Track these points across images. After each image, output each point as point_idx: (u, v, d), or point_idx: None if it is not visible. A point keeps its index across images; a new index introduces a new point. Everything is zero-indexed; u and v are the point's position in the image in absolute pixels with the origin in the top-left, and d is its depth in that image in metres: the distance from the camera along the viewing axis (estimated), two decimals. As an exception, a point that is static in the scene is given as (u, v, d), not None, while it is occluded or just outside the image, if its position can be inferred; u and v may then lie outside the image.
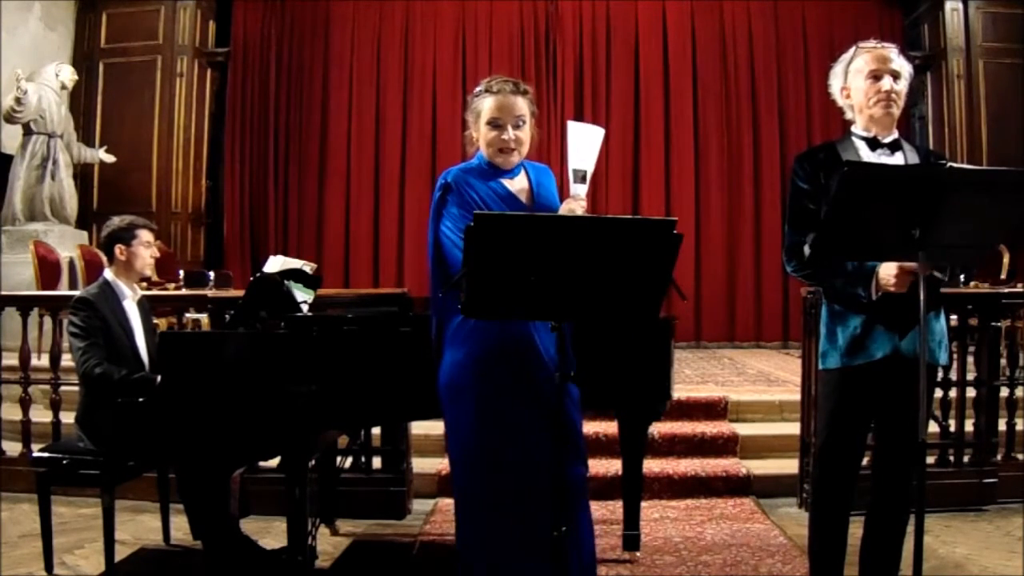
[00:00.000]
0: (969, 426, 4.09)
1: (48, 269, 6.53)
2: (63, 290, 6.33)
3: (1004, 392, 4.16)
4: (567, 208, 2.36)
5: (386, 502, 3.95)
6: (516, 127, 2.38)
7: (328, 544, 3.54)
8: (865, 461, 2.55)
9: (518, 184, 2.42)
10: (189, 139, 8.38)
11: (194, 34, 8.33)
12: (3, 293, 4.76)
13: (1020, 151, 7.51)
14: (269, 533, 3.56)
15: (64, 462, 3.15)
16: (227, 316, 3.92)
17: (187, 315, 5.03)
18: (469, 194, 2.34)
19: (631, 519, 3.35)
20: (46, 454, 3.21)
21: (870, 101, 2.43)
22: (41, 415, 4.29)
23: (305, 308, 3.20)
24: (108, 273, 3.38)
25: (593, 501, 2.60)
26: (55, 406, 4.07)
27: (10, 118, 6.97)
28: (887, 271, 2.27)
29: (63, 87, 7.38)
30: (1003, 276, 6.76)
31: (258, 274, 3.22)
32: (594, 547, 2.44)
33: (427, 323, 2.45)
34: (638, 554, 3.35)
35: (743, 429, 4.64)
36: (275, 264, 3.28)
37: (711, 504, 4.10)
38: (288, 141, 8.79)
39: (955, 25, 8.16)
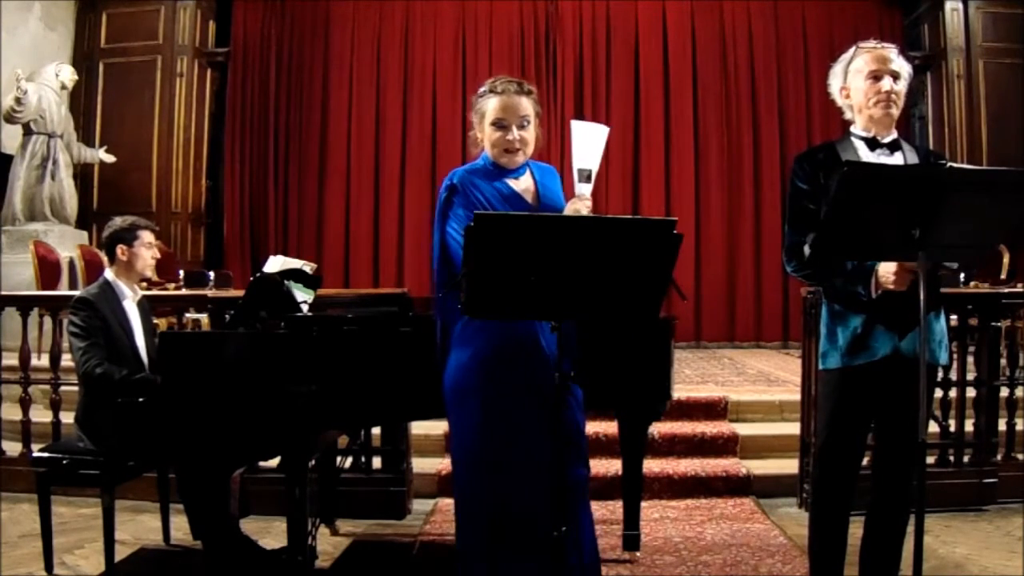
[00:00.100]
0: (969, 426, 4.09)
1: (48, 269, 6.53)
2: (63, 290, 6.33)
3: (1004, 392, 4.16)
4: (572, 208, 2.36)
5: (386, 502, 3.95)
6: (521, 127, 2.37)
7: (328, 544, 3.54)
8: (865, 461, 2.55)
9: (523, 184, 2.42)
10: (189, 139, 8.38)
11: (194, 34, 8.33)
12: (3, 293, 4.76)
13: (1020, 151, 7.51)
14: (269, 533, 3.56)
15: (64, 462, 3.15)
16: (227, 316, 3.92)
17: (187, 315, 5.03)
18: (474, 195, 2.33)
19: (631, 519, 3.35)
20: (46, 454, 3.22)
21: (870, 101, 2.43)
22: (41, 415, 4.29)
23: (305, 308, 3.20)
24: (109, 273, 3.38)
25: (593, 501, 2.60)
26: (55, 406, 4.07)
27: (10, 118, 6.97)
28: (887, 269, 2.27)
29: (63, 87, 7.38)
30: (1003, 276, 6.77)
31: (258, 274, 3.21)
32: (596, 547, 2.44)
33: (427, 323, 2.45)
34: (638, 554, 3.35)
35: (743, 429, 4.64)
36: (275, 264, 3.28)
37: (711, 504, 4.10)
38: (288, 141, 8.79)
39: (955, 25, 8.16)
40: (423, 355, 2.46)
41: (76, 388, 3.60)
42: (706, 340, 8.57)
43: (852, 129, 2.51)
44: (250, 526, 3.41)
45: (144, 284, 3.60)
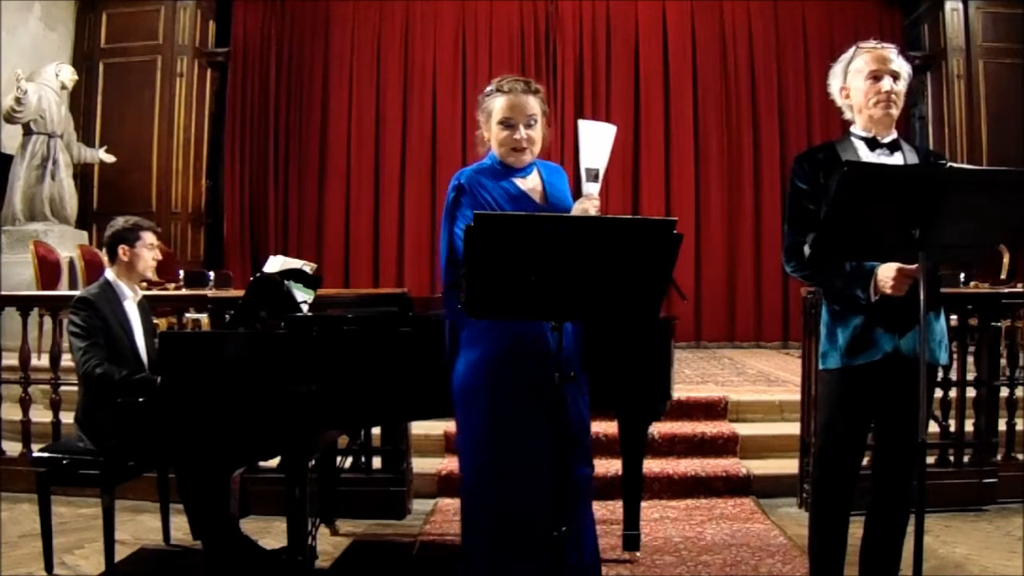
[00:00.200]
0: (969, 426, 4.09)
1: (48, 269, 6.53)
2: (63, 290, 6.33)
3: (1004, 392, 4.16)
4: (580, 208, 2.35)
5: (386, 502, 3.95)
6: (528, 126, 2.37)
7: (328, 544, 3.54)
8: (865, 461, 2.55)
9: (531, 183, 2.42)
10: (189, 139, 8.38)
11: (194, 34, 8.33)
12: (3, 293, 4.76)
13: (1020, 151, 7.51)
14: (269, 533, 3.56)
15: (64, 462, 3.15)
16: (227, 316, 3.92)
17: (187, 315, 5.03)
18: (482, 195, 2.33)
19: (631, 519, 3.35)
20: (46, 454, 3.22)
21: (870, 101, 2.43)
22: (41, 415, 4.29)
23: (305, 308, 3.20)
24: (109, 273, 3.38)
25: (593, 501, 2.60)
26: (55, 406, 4.07)
27: (10, 118, 6.97)
28: (886, 274, 2.27)
29: (63, 87, 7.38)
30: (1003, 276, 6.77)
31: (258, 274, 3.21)
32: (597, 547, 2.44)
33: (427, 323, 2.45)
34: (638, 554, 3.35)
35: (743, 429, 4.64)
36: (275, 264, 3.28)
37: (711, 504, 4.10)
38: (288, 141, 8.79)
39: (955, 25, 8.16)
40: (423, 355, 2.46)
41: (76, 388, 3.60)
42: (706, 340, 8.57)
43: (852, 129, 2.51)
44: (250, 526, 3.41)
45: (144, 284, 3.60)
